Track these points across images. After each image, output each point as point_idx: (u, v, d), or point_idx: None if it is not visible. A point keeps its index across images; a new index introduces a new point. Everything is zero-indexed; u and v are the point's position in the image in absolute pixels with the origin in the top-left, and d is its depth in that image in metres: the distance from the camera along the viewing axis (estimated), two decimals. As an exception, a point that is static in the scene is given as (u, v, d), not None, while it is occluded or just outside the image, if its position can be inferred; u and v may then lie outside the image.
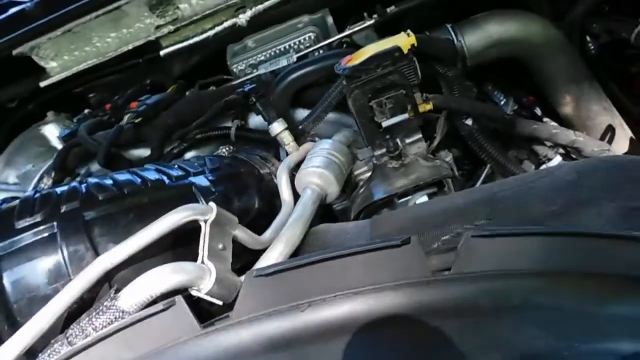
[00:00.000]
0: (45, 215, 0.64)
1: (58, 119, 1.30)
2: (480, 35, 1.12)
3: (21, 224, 0.64)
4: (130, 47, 1.29)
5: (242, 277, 0.66)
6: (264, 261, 0.69)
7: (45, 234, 0.63)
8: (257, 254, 0.69)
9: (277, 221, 0.80)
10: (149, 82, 1.29)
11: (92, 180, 0.69)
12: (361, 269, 0.45)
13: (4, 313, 0.60)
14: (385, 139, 0.89)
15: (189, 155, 1.05)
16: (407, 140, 0.90)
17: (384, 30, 1.13)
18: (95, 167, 1.06)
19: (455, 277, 0.44)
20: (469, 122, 0.96)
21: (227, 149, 0.94)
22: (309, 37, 1.13)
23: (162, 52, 1.32)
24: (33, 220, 0.64)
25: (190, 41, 1.31)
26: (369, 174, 0.97)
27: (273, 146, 1.03)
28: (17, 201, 0.68)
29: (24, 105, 1.40)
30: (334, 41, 1.10)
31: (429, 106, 0.90)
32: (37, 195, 0.67)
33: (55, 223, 0.63)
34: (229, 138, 1.02)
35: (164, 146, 1.03)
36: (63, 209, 0.65)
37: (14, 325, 0.60)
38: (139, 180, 0.70)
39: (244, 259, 0.69)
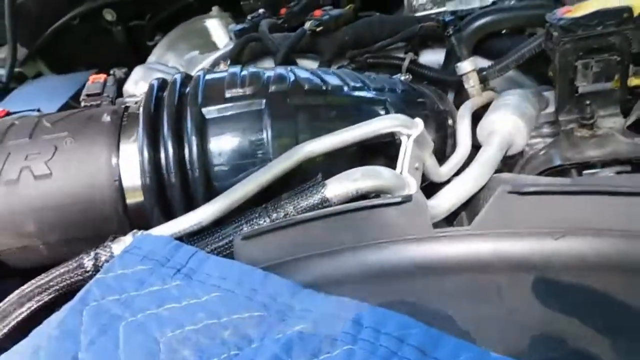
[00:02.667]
0: (255, 90, 0.65)
1: (222, 16, 1.33)
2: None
3: (230, 93, 0.65)
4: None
5: (429, 201, 0.65)
6: (449, 193, 0.67)
7: (254, 108, 0.63)
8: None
9: (453, 160, 0.77)
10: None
11: (298, 70, 0.69)
12: (632, 211, 0.42)
13: (203, 175, 0.62)
14: (579, 104, 0.83)
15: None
16: (602, 112, 0.84)
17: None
18: (263, 65, 1.07)
19: None
20: (671, 109, 0.88)
21: (406, 77, 0.91)
22: (505, -17, 1.06)
23: (333, -28, 1.30)
24: (243, 93, 0.64)
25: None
26: (539, 139, 0.92)
27: (441, 87, 1.00)
28: (223, 73, 0.69)
29: (185, -3, 1.44)
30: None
31: (637, 80, 0.83)
32: (245, 72, 0.68)
33: (264, 100, 0.64)
34: (399, 69, 0.99)
35: (333, 61, 1.02)
36: (272, 88, 0.65)
37: (210, 189, 0.62)
38: (341, 81, 0.69)
39: None
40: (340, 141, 0.61)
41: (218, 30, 1.31)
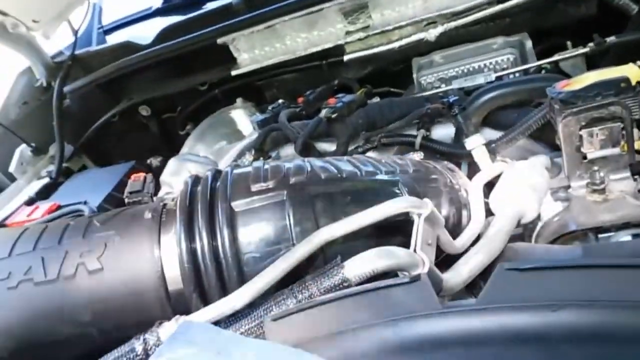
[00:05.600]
0: (277, 183, 0.74)
1: (245, 106, 1.47)
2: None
3: (255, 187, 0.74)
4: (319, 48, 1.43)
5: (444, 274, 0.71)
6: (464, 266, 0.73)
7: (276, 200, 0.72)
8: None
9: (468, 232, 0.83)
10: (337, 82, 1.40)
11: (315, 161, 0.79)
12: (622, 282, 0.47)
13: (235, 262, 0.70)
14: (588, 170, 0.89)
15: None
16: (612, 176, 0.89)
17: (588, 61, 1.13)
18: (284, 152, 1.18)
19: None
20: (682, 168, 0.92)
21: (418, 155, 1.00)
22: (507, 58, 1.16)
23: (345, 57, 1.44)
24: (266, 186, 0.74)
25: (375, 50, 1.41)
26: (556, 204, 0.97)
27: (454, 160, 1.07)
28: (248, 168, 0.79)
29: (212, 89, 1.60)
30: (537, 65, 1.12)
31: (644, 144, 0.88)
32: (267, 166, 0.78)
33: (285, 192, 0.73)
34: (412, 146, 1.08)
35: (349, 143, 1.12)
36: (292, 180, 0.74)
37: (241, 274, 0.70)
38: (355, 168, 0.78)
39: None
40: (356, 225, 0.68)
41: (243, 119, 1.45)
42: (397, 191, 0.78)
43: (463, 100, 1.05)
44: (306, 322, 0.56)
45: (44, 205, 1.33)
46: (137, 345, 0.63)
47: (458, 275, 0.71)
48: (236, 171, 0.79)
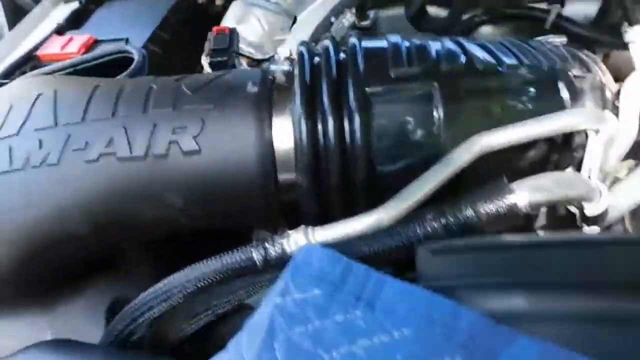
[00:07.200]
0: (425, 70, 0.60)
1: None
2: None
3: (396, 72, 0.61)
4: None
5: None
6: (626, 192, 0.63)
7: (425, 90, 0.59)
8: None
9: (616, 149, 0.72)
10: None
11: (468, 44, 0.64)
12: None
13: (365, 155, 0.59)
14: None
15: (484, 30, 0.95)
16: None
17: None
18: (386, 14, 1.00)
19: None
20: None
21: (561, 40, 0.84)
22: None
23: None
24: (411, 72, 0.60)
25: None
26: None
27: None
28: (384, 42, 0.64)
29: None
30: None
31: None
32: (409, 44, 0.63)
33: (435, 83, 0.59)
34: (541, 22, 0.91)
35: (463, 12, 0.94)
36: (444, 68, 0.60)
37: (371, 171, 0.60)
38: (516, 60, 0.63)
39: None
40: (525, 135, 0.57)
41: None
42: (559, 92, 0.65)
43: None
44: (480, 264, 0.47)
45: (78, 38, 1.19)
46: (256, 254, 0.54)
47: (622, 202, 0.61)
48: (366, 44, 0.64)
